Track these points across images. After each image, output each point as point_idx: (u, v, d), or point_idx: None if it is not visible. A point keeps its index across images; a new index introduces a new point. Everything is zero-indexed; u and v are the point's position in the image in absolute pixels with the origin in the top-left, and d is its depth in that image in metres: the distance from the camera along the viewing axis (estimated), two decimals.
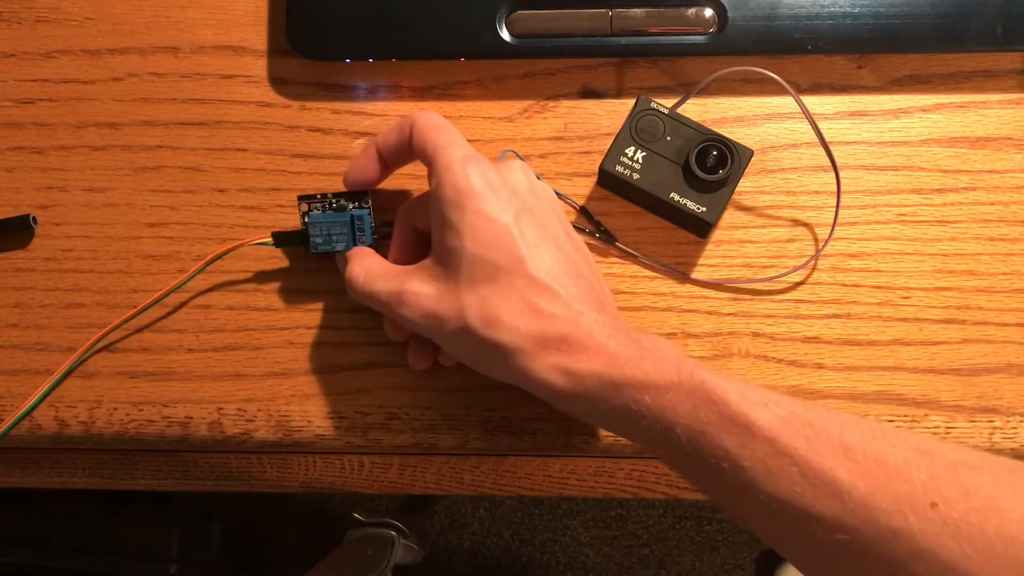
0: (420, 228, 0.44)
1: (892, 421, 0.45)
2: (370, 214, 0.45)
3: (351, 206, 0.45)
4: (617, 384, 0.36)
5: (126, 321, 0.46)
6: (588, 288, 0.39)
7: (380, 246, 0.45)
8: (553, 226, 0.40)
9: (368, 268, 0.42)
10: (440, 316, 0.38)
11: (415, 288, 0.39)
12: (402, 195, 0.47)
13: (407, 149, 0.42)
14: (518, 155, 0.47)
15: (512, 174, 0.40)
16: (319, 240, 0.44)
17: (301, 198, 0.45)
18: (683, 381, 0.35)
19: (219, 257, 0.46)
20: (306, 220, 0.45)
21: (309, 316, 0.47)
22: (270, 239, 0.45)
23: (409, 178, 0.47)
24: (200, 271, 0.46)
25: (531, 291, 0.37)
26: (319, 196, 0.45)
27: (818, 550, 0.33)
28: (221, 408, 0.46)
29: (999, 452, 0.45)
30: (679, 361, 0.36)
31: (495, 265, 0.37)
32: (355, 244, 0.44)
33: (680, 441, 0.35)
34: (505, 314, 0.37)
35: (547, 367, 0.37)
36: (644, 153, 0.45)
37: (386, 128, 0.43)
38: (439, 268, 0.39)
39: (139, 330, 0.47)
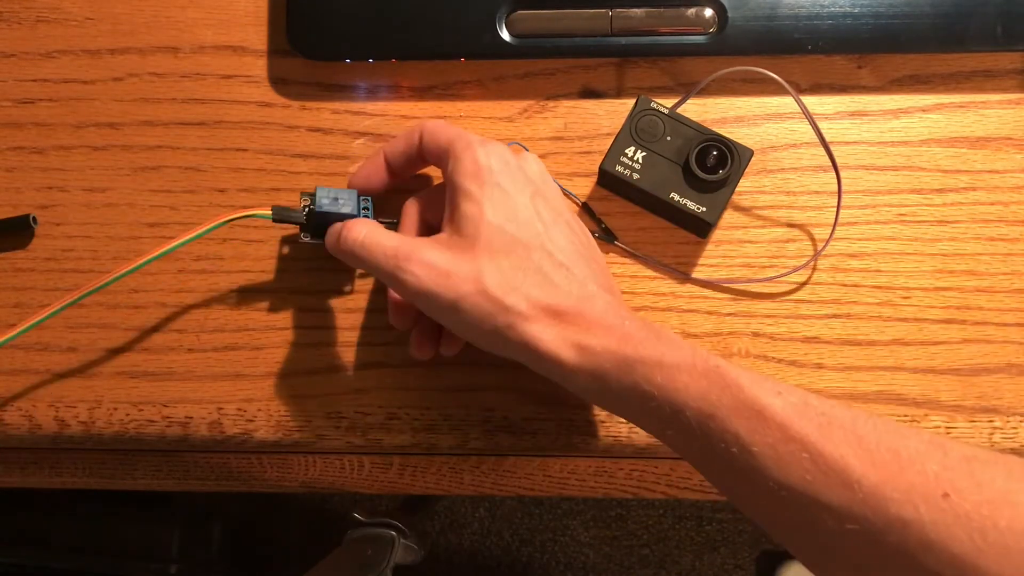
0: (429, 220, 0.44)
1: None
2: (371, 207, 0.45)
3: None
4: (630, 361, 0.36)
5: (123, 275, 0.43)
6: (601, 272, 0.40)
7: None
8: (565, 213, 0.41)
9: (373, 226, 0.41)
10: (454, 277, 0.38)
11: (426, 253, 0.38)
12: (403, 195, 0.47)
13: (416, 156, 0.42)
14: (524, 147, 0.47)
15: (526, 162, 0.41)
16: (325, 201, 0.42)
17: (304, 195, 0.44)
18: (696, 364, 0.35)
19: (215, 227, 0.42)
20: (309, 203, 0.43)
21: (309, 316, 0.47)
22: (269, 211, 0.43)
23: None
24: (190, 240, 0.42)
25: (548, 265, 0.38)
26: None
27: (827, 540, 0.33)
28: (221, 408, 0.46)
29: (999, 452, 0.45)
30: (693, 347, 0.36)
31: (514, 237, 0.38)
32: (358, 213, 0.43)
33: (689, 424, 0.35)
34: (522, 283, 0.37)
35: (558, 339, 0.37)
36: (644, 153, 0.45)
37: (395, 136, 0.43)
38: (454, 238, 0.39)
39: (139, 330, 0.47)
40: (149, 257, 0.42)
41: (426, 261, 0.38)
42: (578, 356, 0.37)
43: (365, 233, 0.40)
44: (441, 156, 0.41)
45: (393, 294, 0.44)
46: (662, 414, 0.36)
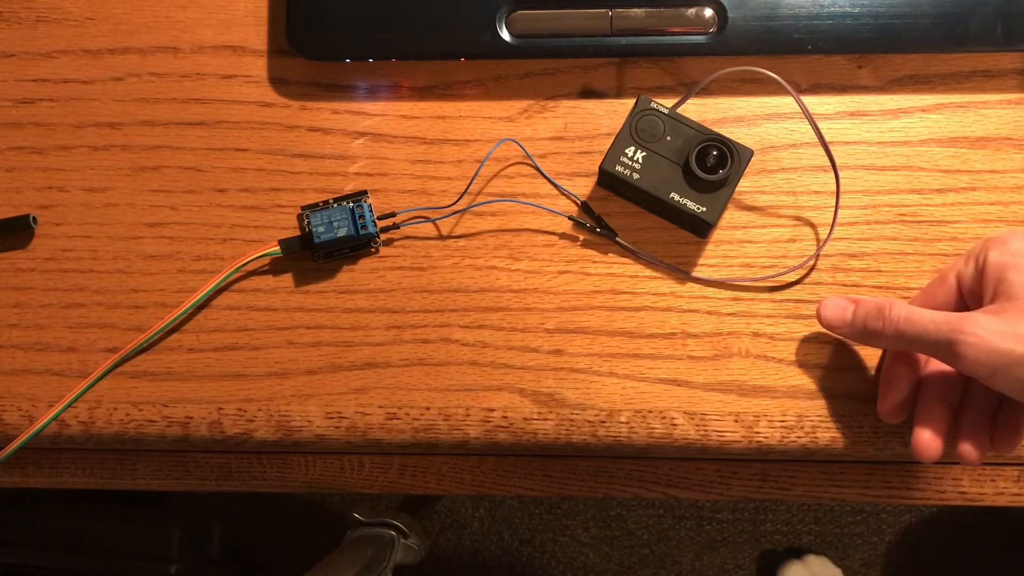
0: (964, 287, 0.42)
1: None
2: (371, 208, 0.46)
3: (349, 204, 0.46)
4: None
5: (164, 328, 0.47)
6: None
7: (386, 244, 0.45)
8: None
9: (907, 304, 0.40)
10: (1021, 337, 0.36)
11: (980, 318, 0.37)
12: (402, 192, 0.47)
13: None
14: (518, 143, 0.47)
15: None
16: (321, 229, 0.45)
17: (303, 208, 0.46)
18: None
19: (231, 273, 0.47)
20: (307, 221, 0.46)
21: (309, 316, 0.47)
22: (277, 248, 0.46)
23: (409, 177, 0.47)
24: (218, 284, 0.47)
25: None
26: (320, 204, 0.46)
27: None
28: (221, 408, 0.46)
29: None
30: None
31: None
32: (357, 232, 0.45)
33: None
34: None
35: None
36: (644, 153, 0.45)
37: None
38: (1004, 304, 0.37)
39: (139, 330, 0.47)
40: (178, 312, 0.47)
41: (983, 324, 0.36)
42: None
43: (909, 308, 0.39)
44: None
45: (890, 367, 0.43)
46: None
